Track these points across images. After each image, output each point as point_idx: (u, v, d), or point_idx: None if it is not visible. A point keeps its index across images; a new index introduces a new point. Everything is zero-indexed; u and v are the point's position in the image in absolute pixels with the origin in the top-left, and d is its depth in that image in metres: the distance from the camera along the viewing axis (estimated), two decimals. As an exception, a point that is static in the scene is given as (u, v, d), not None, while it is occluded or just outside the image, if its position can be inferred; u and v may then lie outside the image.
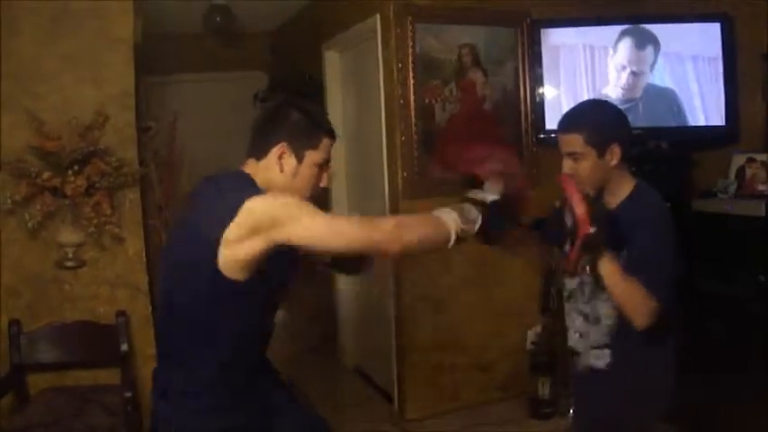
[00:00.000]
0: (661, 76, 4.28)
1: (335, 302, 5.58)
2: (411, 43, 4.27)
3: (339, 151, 5.00)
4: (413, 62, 4.28)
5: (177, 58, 6.16)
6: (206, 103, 6.41)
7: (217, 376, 2.03)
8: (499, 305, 4.58)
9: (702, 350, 3.15)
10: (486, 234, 2.18)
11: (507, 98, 4.59)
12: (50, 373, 3.60)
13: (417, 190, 4.29)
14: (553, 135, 4.25)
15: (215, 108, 6.52)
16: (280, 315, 2.24)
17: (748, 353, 3.48)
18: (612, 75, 4.34)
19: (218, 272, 1.88)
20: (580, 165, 2.33)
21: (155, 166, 4.14)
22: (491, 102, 4.54)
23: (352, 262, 2.42)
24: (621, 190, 2.38)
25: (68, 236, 3.52)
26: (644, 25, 4.30)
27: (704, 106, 4.27)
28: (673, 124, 4.27)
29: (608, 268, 2.18)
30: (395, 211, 4.34)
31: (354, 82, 5.25)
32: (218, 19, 5.66)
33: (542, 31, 4.47)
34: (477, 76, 4.48)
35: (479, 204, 2.16)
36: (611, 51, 4.34)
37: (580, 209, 2.10)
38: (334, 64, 5.49)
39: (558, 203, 2.26)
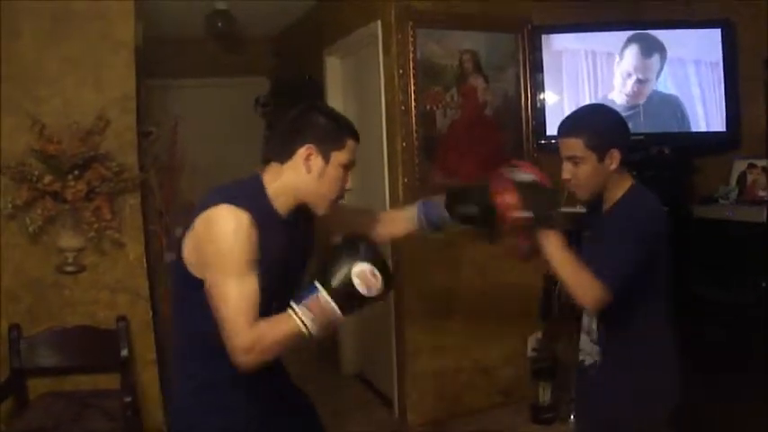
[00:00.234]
0: (663, 81, 4.28)
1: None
2: (412, 49, 4.27)
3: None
4: (414, 68, 4.28)
5: (179, 63, 6.17)
6: (207, 108, 6.41)
7: (221, 375, 2.04)
8: (500, 310, 4.56)
9: (703, 355, 3.14)
10: (539, 220, 2.22)
11: (508, 104, 4.59)
12: (50, 377, 3.59)
13: (418, 196, 4.22)
14: (554, 141, 4.27)
15: (216, 113, 6.53)
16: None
17: (749, 359, 3.48)
18: (618, 81, 4.34)
19: (186, 271, 1.99)
20: (580, 168, 2.35)
21: (155, 171, 4.13)
22: (492, 108, 4.54)
23: None
24: (618, 192, 2.39)
25: (69, 240, 3.52)
26: (646, 31, 4.30)
27: (706, 112, 4.26)
28: (675, 130, 4.27)
29: (550, 248, 2.24)
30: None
31: (355, 87, 5.26)
32: (219, 24, 5.67)
33: (544, 36, 4.47)
34: (478, 81, 4.48)
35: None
36: (617, 58, 4.34)
37: (505, 197, 2.22)
38: (335, 69, 5.49)
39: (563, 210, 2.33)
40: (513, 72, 4.59)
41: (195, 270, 1.97)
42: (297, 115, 2.14)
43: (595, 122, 2.40)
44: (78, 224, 3.49)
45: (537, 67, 4.51)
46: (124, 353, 3.58)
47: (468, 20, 4.44)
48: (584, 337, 2.55)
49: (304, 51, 6.04)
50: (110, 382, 3.62)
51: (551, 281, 4.24)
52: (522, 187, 2.24)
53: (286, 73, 6.55)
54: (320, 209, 2.12)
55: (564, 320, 4.28)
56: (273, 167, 2.10)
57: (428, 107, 4.34)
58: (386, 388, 4.85)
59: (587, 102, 4.28)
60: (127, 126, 3.69)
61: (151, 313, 3.80)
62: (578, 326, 2.60)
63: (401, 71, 4.27)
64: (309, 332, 1.89)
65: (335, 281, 1.92)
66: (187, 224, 2.06)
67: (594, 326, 2.47)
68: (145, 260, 3.79)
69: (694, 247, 3.79)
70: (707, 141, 4.33)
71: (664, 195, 2.43)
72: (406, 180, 4.31)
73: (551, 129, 4.35)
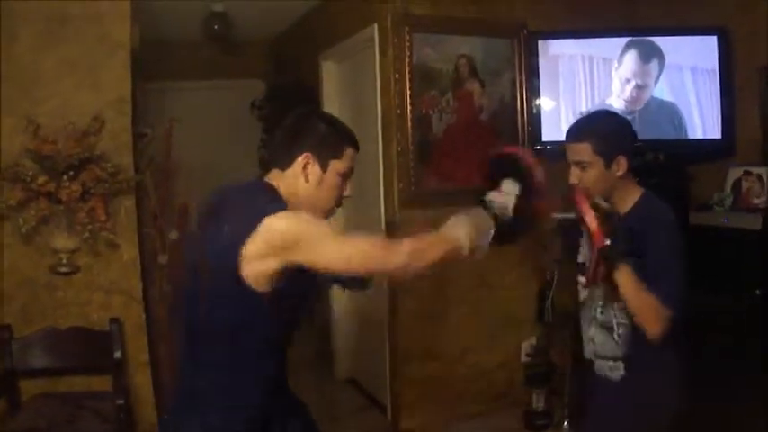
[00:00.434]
0: (660, 88, 4.29)
1: (330, 313, 5.56)
2: (408, 53, 4.27)
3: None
4: (410, 72, 4.28)
5: (175, 65, 6.17)
6: (203, 111, 6.39)
7: (228, 382, 2.04)
8: (494, 316, 4.57)
9: (698, 361, 3.14)
10: (501, 236, 2.19)
11: (504, 109, 4.59)
12: (43, 378, 3.58)
13: (413, 201, 4.29)
14: (549, 147, 4.29)
15: (212, 116, 6.52)
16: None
17: (744, 365, 3.48)
18: (616, 87, 4.35)
19: (240, 282, 1.90)
20: (587, 174, 2.38)
21: (150, 172, 4.13)
22: (488, 113, 4.54)
23: (359, 279, 2.41)
24: (628, 199, 2.42)
25: (63, 241, 3.51)
26: (642, 37, 4.31)
27: (702, 119, 4.27)
28: (671, 137, 4.28)
29: (624, 279, 2.22)
30: (391, 221, 4.35)
31: (351, 92, 5.26)
32: (216, 27, 5.66)
33: (541, 41, 4.47)
34: (474, 86, 4.48)
35: (495, 206, 2.18)
36: (615, 64, 4.35)
37: (592, 223, 2.16)
38: (331, 73, 5.50)
39: (559, 216, 2.30)
40: (509, 77, 4.59)
41: (253, 281, 1.91)
42: (295, 121, 2.14)
43: (603, 128, 2.44)
44: (72, 225, 3.48)
45: (533, 72, 4.51)
46: (117, 354, 3.57)
47: (465, 25, 4.44)
48: (591, 339, 2.57)
49: (300, 55, 6.04)
50: (103, 383, 3.61)
51: (546, 287, 4.25)
52: (601, 212, 2.24)
53: (282, 76, 6.55)
54: (318, 217, 2.10)
55: (558, 327, 4.28)
56: (276, 174, 2.10)
57: (424, 112, 4.34)
58: (379, 393, 4.84)
59: (584, 107, 4.30)
60: (123, 128, 3.69)
61: (144, 315, 3.80)
62: (577, 331, 2.61)
63: (397, 75, 4.27)
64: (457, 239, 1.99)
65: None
66: (210, 228, 2.02)
67: (607, 335, 2.48)
68: (139, 262, 3.79)
69: (689, 254, 3.79)
70: (702, 148, 4.34)
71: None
72: (401, 185, 4.30)
73: (547, 134, 4.36)
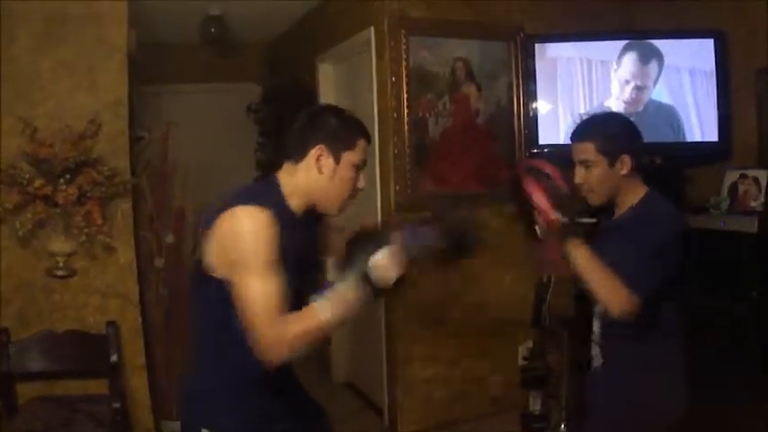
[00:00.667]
0: (659, 90, 4.30)
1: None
2: (405, 56, 4.28)
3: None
4: (406, 75, 4.28)
5: (172, 68, 6.16)
6: (199, 114, 6.39)
7: (230, 378, 2.07)
8: (490, 319, 4.56)
9: (694, 364, 3.15)
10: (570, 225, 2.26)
11: (500, 112, 4.59)
12: (39, 382, 3.57)
13: (409, 203, 4.29)
14: (546, 150, 4.29)
15: (208, 119, 6.51)
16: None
17: (741, 368, 3.49)
18: (616, 88, 4.35)
19: (207, 271, 1.97)
20: (591, 173, 2.40)
21: (147, 176, 4.13)
22: (484, 116, 4.54)
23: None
24: (633, 197, 2.44)
25: (59, 245, 3.51)
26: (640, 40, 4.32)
27: (699, 122, 4.27)
28: (668, 140, 4.28)
29: (577, 253, 2.26)
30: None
31: (348, 94, 5.25)
32: (212, 30, 5.66)
33: (539, 44, 4.47)
34: (470, 89, 4.49)
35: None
36: (614, 65, 4.34)
37: (541, 199, 2.22)
38: (328, 76, 5.51)
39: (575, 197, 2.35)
40: (506, 80, 4.59)
41: (217, 271, 1.97)
42: (309, 117, 2.18)
43: (607, 128, 2.46)
44: (69, 228, 3.48)
45: (529, 75, 4.51)
46: (114, 358, 3.57)
47: (461, 28, 4.45)
48: (594, 331, 2.60)
49: (297, 58, 6.05)
50: (99, 386, 3.61)
51: (542, 290, 4.24)
52: (554, 190, 2.28)
53: (278, 79, 6.55)
54: (332, 209, 2.17)
55: (555, 329, 4.28)
56: (288, 168, 2.13)
57: (420, 114, 4.34)
58: (376, 396, 4.84)
59: (583, 109, 4.30)
60: (119, 130, 3.70)
61: (141, 319, 3.79)
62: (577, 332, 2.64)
63: (394, 78, 4.27)
64: (331, 320, 1.94)
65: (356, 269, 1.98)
66: (204, 226, 2.05)
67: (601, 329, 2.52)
68: (135, 265, 3.79)
69: (687, 257, 3.79)
70: (699, 151, 4.34)
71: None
72: (397, 187, 4.30)
73: (545, 137, 4.36)
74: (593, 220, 2.65)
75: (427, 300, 4.37)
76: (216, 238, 1.95)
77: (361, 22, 4.57)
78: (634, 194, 2.43)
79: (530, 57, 4.49)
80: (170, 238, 4.25)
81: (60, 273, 3.56)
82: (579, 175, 2.44)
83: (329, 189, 2.11)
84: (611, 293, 2.22)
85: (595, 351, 2.60)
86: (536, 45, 4.47)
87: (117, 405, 3.27)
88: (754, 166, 4.02)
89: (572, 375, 4.11)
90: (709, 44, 4.21)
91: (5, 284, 3.53)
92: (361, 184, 2.18)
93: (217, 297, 1.96)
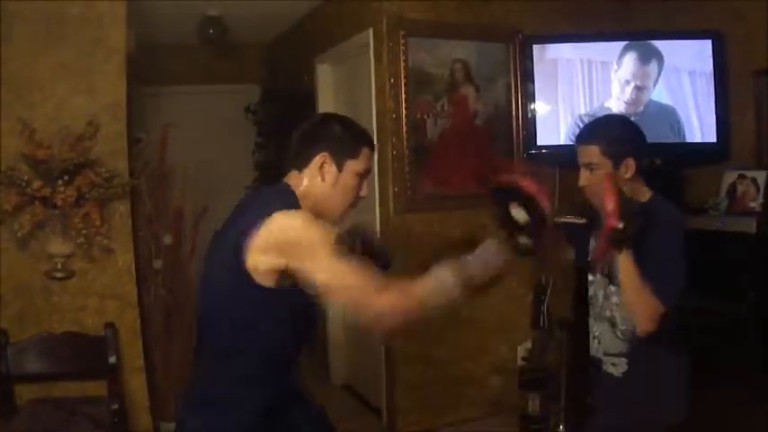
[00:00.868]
0: (659, 91, 4.30)
1: (324, 318, 5.55)
2: (403, 58, 4.28)
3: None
4: (405, 77, 4.29)
5: (170, 70, 6.16)
6: (198, 115, 6.37)
7: (237, 377, 2.06)
8: (489, 320, 4.56)
9: (692, 365, 3.16)
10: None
11: (499, 114, 4.59)
12: (38, 384, 3.57)
13: (409, 205, 4.29)
14: (545, 151, 4.29)
15: (206, 120, 6.50)
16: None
17: (739, 369, 3.49)
18: (616, 89, 4.35)
19: (245, 273, 1.93)
20: (595, 175, 2.40)
21: (145, 177, 4.13)
22: (483, 117, 4.55)
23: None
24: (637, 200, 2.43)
25: (58, 246, 3.50)
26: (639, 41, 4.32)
27: (698, 122, 4.28)
28: (668, 140, 4.27)
29: (626, 266, 2.25)
30: (385, 225, 4.35)
31: (346, 95, 5.26)
32: (211, 31, 5.65)
33: (540, 45, 4.47)
34: (469, 91, 4.49)
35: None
36: (614, 66, 4.35)
37: (610, 203, 2.17)
38: (326, 77, 5.51)
39: (562, 220, 2.32)
40: (504, 82, 4.60)
41: (260, 277, 1.94)
42: (313, 124, 2.19)
43: (612, 131, 2.47)
44: (67, 230, 3.47)
45: (528, 76, 4.51)
46: (112, 360, 3.56)
47: (460, 29, 4.45)
48: (597, 337, 2.59)
49: (295, 59, 6.04)
50: (98, 388, 3.60)
51: (541, 291, 4.25)
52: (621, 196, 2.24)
53: (276, 81, 6.55)
54: (333, 217, 2.15)
55: (553, 331, 4.28)
56: (293, 175, 2.13)
57: (419, 116, 4.35)
58: (375, 398, 4.84)
59: (583, 110, 4.30)
60: (117, 132, 3.69)
61: (139, 320, 3.79)
62: (582, 332, 2.63)
63: (392, 80, 4.27)
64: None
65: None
66: (224, 228, 2.07)
67: (610, 332, 2.52)
68: (134, 267, 3.78)
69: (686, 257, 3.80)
70: (697, 152, 4.34)
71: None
72: (396, 189, 4.31)
73: (544, 138, 4.35)
74: (583, 221, 2.65)
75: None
76: (265, 243, 1.91)
77: (359, 23, 4.57)
78: (639, 197, 2.43)
79: (528, 58, 4.49)
80: (168, 240, 4.25)
81: (59, 274, 3.55)
82: (584, 177, 2.45)
83: (331, 197, 2.11)
84: (643, 310, 2.25)
85: (596, 349, 2.60)
86: (537, 46, 4.47)
87: (115, 406, 3.27)
88: (753, 167, 4.02)
89: (571, 377, 4.11)
90: (706, 45, 4.21)
91: (4, 286, 3.52)
92: (363, 192, 2.18)
93: (251, 299, 1.96)
